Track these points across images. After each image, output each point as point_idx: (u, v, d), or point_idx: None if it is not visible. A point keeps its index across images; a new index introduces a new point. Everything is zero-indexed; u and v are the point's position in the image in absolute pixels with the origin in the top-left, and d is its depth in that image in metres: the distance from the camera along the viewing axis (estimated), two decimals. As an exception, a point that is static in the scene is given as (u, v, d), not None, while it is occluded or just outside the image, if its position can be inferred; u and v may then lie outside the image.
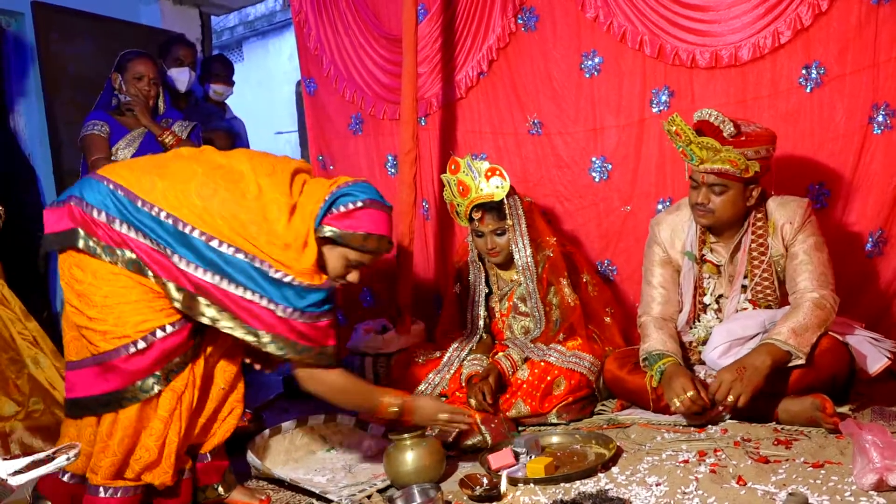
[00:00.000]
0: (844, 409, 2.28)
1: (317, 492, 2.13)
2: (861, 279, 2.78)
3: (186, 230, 1.87)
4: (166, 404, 1.92)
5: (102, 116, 3.09)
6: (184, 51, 3.73)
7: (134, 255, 1.86)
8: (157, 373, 1.89)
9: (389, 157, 3.65)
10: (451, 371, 2.75)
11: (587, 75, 3.14)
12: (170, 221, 1.87)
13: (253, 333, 1.90)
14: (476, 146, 3.40)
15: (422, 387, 2.75)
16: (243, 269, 1.88)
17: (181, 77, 3.68)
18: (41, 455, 1.50)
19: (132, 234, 1.87)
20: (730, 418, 2.33)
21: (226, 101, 4.37)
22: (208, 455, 2.12)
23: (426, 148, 3.48)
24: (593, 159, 3.18)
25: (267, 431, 2.48)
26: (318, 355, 1.96)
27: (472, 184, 2.77)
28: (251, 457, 2.29)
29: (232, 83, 4.31)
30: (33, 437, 2.66)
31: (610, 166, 3.15)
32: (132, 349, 1.86)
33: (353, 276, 2.06)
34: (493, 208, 2.78)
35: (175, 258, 1.87)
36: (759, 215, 2.43)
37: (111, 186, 1.89)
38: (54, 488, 2.01)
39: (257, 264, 1.88)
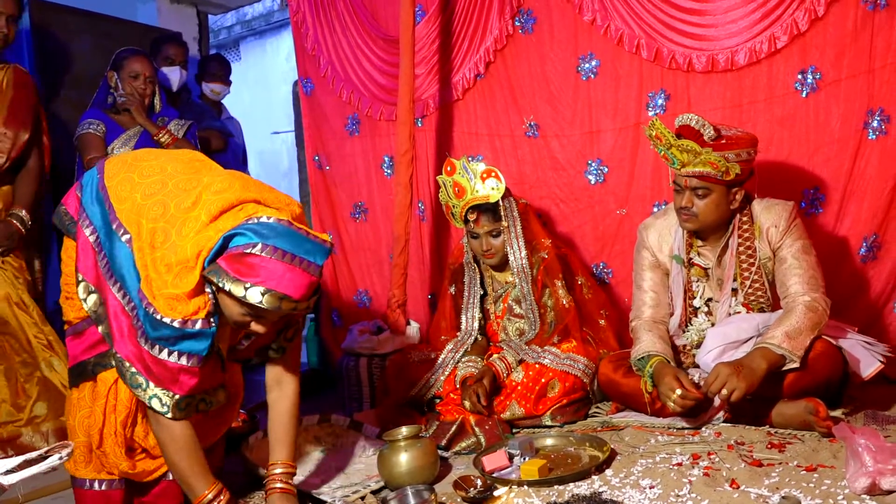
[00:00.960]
0: (838, 413, 2.29)
1: (311, 493, 2.13)
2: (855, 284, 2.79)
3: (114, 226, 1.83)
4: (102, 390, 1.93)
5: (98, 115, 3.08)
6: (174, 49, 3.72)
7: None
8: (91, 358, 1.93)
9: (386, 158, 3.65)
10: (446, 372, 2.75)
11: (584, 78, 3.14)
12: (103, 197, 1.89)
13: (111, 345, 1.82)
14: (472, 148, 3.41)
15: (416, 388, 2.75)
16: (134, 278, 1.78)
17: (172, 76, 3.67)
18: (34, 454, 1.50)
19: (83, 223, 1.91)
20: (724, 421, 2.34)
21: (222, 101, 4.37)
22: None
23: (423, 149, 3.48)
24: (589, 162, 3.18)
25: (261, 432, 2.48)
26: (150, 396, 1.75)
27: (467, 185, 2.77)
28: (245, 457, 2.29)
29: (229, 82, 4.30)
30: (31, 442, 2.68)
31: (606, 169, 3.16)
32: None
33: (259, 328, 1.78)
34: (488, 210, 2.78)
35: (92, 238, 1.89)
36: (745, 218, 2.44)
37: (102, 192, 1.92)
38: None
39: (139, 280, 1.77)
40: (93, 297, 1.89)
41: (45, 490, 2.33)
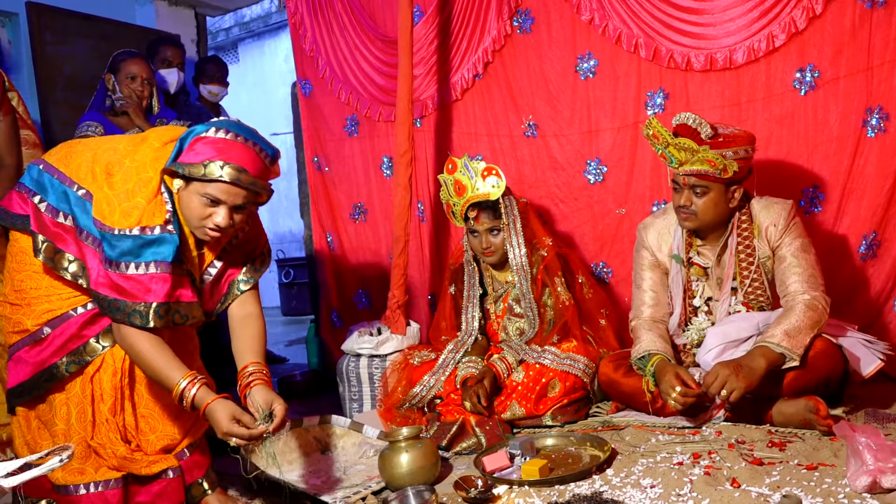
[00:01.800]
0: (838, 412, 2.29)
1: (311, 493, 2.13)
2: (854, 282, 2.80)
3: (67, 186, 1.93)
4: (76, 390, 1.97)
5: (96, 117, 3.08)
6: (171, 51, 3.72)
7: (27, 217, 1.95)
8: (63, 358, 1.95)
9: (385, 159, 3.64)
10: (446, 373, 2.75)
11: (582, 78, 3.14)
12: (46, 171, 1.96)
13: (88, 288, 1.88)
14: (471, 148, 3.41)
15: (417, 388, 2.75)
16: (89, 213, 1.88)
17: (170, 78, 3.67)
18: (34, 457, 1.50)
19: (32, 199, 1.96)
20: (724, 420, 2.34)
21: (220, 103, 4.37)
22: (186, 451, 2.11)
23: (422, 150, 3.48)
24: (588, 161, 3.18)
25: (261, 433, 2.47)
26: (130, 313, 1.82)
27: (468, 183, 2.78)
28: (244, 458, 2.28)
29: (226, 84, 4.30)
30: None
31: (605, 168, 3.16)
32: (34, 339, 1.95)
33: (220, 218, 1.86)
34: (488, 207, 2.79)
35: (42, 205, 1.94)
36: (744, 217, 2.44)
37: (40, 166, 1.99)
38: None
39: (91, 210, 1.87)
40: (73, 265, 1.92)
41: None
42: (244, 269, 2.10)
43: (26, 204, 1.97)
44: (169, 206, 1.88)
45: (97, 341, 1.98)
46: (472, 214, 2.81)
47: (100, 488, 1.95)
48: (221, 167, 1.81)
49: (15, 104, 2.77)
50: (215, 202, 1.85)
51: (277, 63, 8.59)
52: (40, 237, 1.92)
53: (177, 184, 1.88)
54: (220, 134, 1.86)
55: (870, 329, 2.61)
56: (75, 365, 1.96)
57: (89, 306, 1.96)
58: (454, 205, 2.86)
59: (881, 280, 2.77)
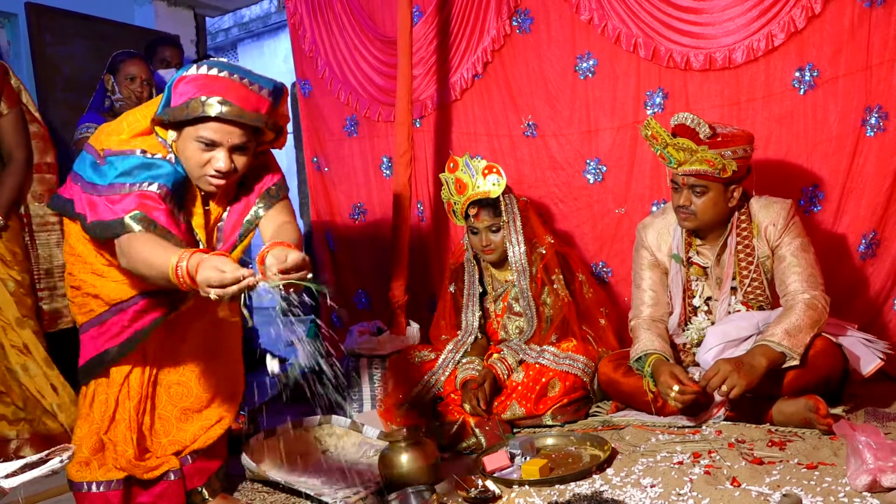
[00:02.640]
0: (838, 411, 2.29)
1: (312, 494, 2.12)
2: (854, 281, 2.80)
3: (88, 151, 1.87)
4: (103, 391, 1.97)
5: (96, 119, 3.08)
6: (170, 51, 3.72)
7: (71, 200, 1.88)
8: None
9: (384, 159, 3.65)
10: (446, 373, 2.75)
11: (582, 77, 3.14)
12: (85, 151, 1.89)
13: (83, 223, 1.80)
14: (471, 148, 3.41)
15: (416, 388, 2.75)
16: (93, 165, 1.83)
17: (168, 78, 3.67)
18: (35, 457, 1.50)
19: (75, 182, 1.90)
20: (724, 419, 2.34)
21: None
22: (189, 457, 2.10)
23: (421, 150, 3.48)
24: (588, 161, 3.18)
25: (262, 434, 2.48)
26: (126, 227, 1.70)
27: (469, 181, 2.79)
28: (246, 459, 2.28)
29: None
30: (27, 446, 2.67)
31: (604, 168, 3.16)
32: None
33: (219, 163, 1.76)
34: (488, 205, 2.79)
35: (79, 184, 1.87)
36: (743, 217, 2.45)
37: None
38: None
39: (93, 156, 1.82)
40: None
41: (46, 494, 2.33)
42: (258, 199, 1.95)
43: (72, 188, 1.90)
44: (171, 156, 1.80)
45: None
46: (472, 212, 2.81)
47: (101, 488, 1.97)
48: (203, 102, 1.70)
49: (23, 98, 2.78)
50: (210, 144, 1.75)
51: (277, 63, 8.59)
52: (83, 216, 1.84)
53: (171, 136, 1.79)
54: (202, 70, 1.74)
55: (869, 328, 2.61)
56: (124, 354, 1.94)
57: (138, 300, 1.89)
58: (455, 203, 2.87)
59: (881, 279, 2.77)
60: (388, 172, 3.63)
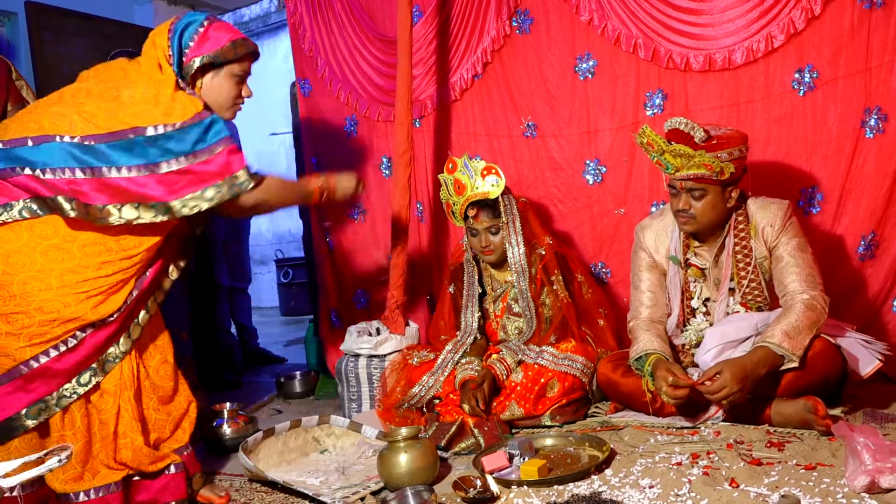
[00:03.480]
0: (836, 412, 2.29)
1: (310, 494, 2.13)
2: (853, 282, 2.80)
3: (61, 140, 1.87)
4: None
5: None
6: None
7: (27, 198, 1.87)
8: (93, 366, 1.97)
9: (384, 159, 3.64)
10: (445, 373, 2.75)
11: (581, 78, 3.14)
12: (42, 142, 1.88)
13: (163, 207, 1.92)
14: (470, 148, 3.40)
15: (415, 388, 2.75)
16: (123, 147, 1.89)
17: None
18: (33, 457, 1.50)
19: (18, 178, 1.87)
20: (723, 420, 2.34)
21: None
22: (184, 449, 2.16)
23: (420, 150, 3.48)
24: (587, 162, 3.19)
25: (260, 433, 2.48)
26: (231, 187, 1.97)
27: (468, 182, 2.79)
28: (244, 458, 2.29)
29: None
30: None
31: (604, 169, 3.16)
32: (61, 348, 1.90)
33: (245, 91, 2.15)
34: (487, 206, 2.79)
35: (58, 173, 1.86)
36: (741, 218, 2.45)
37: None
38: None
39: (132, 136, 1.90)
40: (124, 210, 1.91)
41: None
42: None
43: (17, 187, 1.88)
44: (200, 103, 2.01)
45: (116, 348, 2.00)
46: (471, 213, 2.81)
47: (100, 493, 1.94)
48: (244, 43, 2.07)
49: (25, 94, 2.78)
50: (243, 78, 2.11)
51: (276, 63, 8.57)
52: (60, 198, 1.86)
53: (206, 79, 2.06)
54: (218, 21, 2.07)
55: (868, 329, 2.61)
56: (111, 363, 1.99)
57: (88, 330, 1.93)
58: (454, 204, 2.87)
59: (879, 280, 2.77)
60: (387, 172, 3.63)
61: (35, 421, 1.89)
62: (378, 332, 3.13)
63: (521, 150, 3.32)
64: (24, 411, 1.88)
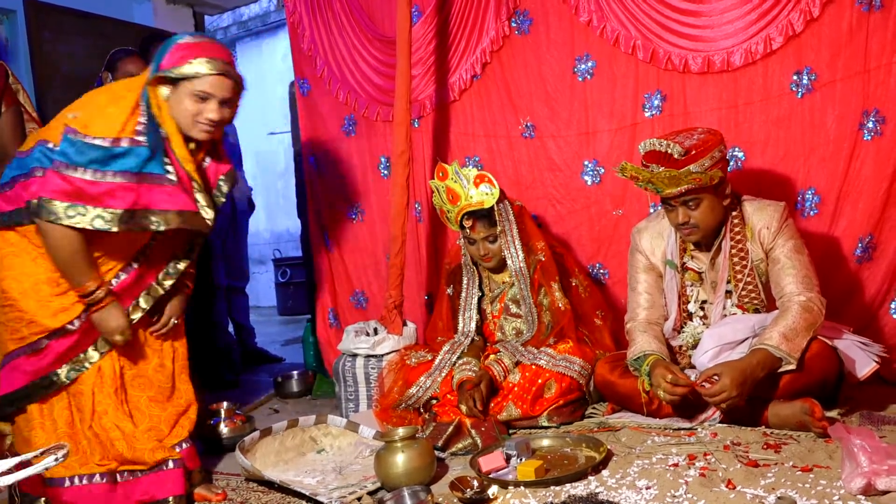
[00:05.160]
0: (833, 414, 2.30)
1: (307, 493, 2.13)
2: (850, 284, 2.80)
3: (42, 145, 2.03)
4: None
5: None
6: None
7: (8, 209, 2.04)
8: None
9: (382, 159, 3.64)
10: (443, 374, 2.75)
11: (580, 79, 3.14)
12: (32, 149, 2.05)
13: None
14: (469, 149, 3.41)
15: (413, 389, 2.75)
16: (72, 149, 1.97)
17: None
18: (29, 455, 1.49)
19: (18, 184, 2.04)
20: (720, 422, 2.34)
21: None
22: (183, 444, 2.21)
23: (419, 150, 3.48)
24: (586, 163, 3.19)
25: (257, 433, 2.48)
26: (93, 219, 1.94)
27: (461, 191, 2.78)
28: (241, 458, 2.28)
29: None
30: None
31: (602, 170, 3.16)
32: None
33: (212, 113, 2.06)
34: (483, 215, 2.79)
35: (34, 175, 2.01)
36: (736, 220, 2.45)
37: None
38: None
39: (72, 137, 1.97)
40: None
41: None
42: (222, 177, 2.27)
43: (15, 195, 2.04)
44: (143, 119, 2.02)
45: (95, 349, 2.07)
46: (467, 224, 2.80)
47: (84, 481, 2.00)
48: (207, 62, 2.01)
49: (20, 98, 2.78)
50: (205, 97, 2.03)
51: (275, 62, 8.57)
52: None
53: (164, 92, 2.04)
54: (196, 39, 2.07)
55: (865, 331, 2.61)
56: (76, 372, 2.05)
57: (84, 317, 2.04)
58: (448, 211, 2.86)
59: (876, 283, 2.77)
60: (385, 172, 3.63)
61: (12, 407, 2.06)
62: (376, 331, 3.13)
63: (519, 150, 3.32)
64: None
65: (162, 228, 2.03)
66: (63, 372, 2.04)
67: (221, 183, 2.25)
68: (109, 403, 2.07)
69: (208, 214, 2.12)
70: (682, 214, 2.39)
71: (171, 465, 2.10)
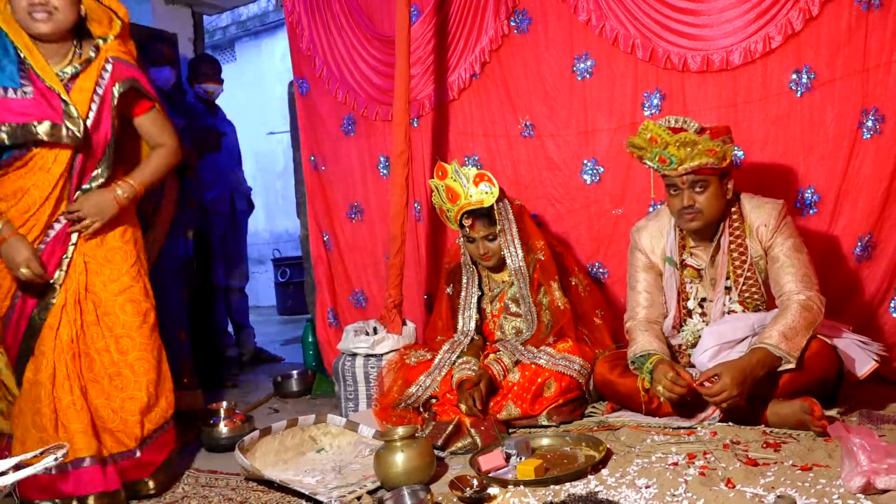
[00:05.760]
0: (833, 412, 2.29)
1: (306, 493, 2.13)
2: (849, 283, 2.80)
3: None
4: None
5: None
6: (163, 48, 3.72)
7: None
8: None
9: (381, 159, 3.64)
10: (442, 373, 2.75)
11: (579, 78, 3.14)
12: None
13: None
14: (468, 148, 3.41)
15: (412, 388, 2.75)
16: None
17: (162, 75, 3.67)
18: (28, 455, 1.49)
19: None
20: (719, 420, 2.34)
21: (217, 103, 4.36)
22: (137, 451, 2.20)
23: (418, 149, 3.48)
24: (585, 162, 3.19)
25: (257, 432, 2.48)
26: None
27: (461, 190, 2.78)
28: (241, 457, 2.28)
29: (221, 81, 4.31)
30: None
31: (602, 169, 3.16)
32: None
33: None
34: (483, 214, 2.78)
35: None
36: (735, 216, 2.45)
37: None
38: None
39: None
40: None
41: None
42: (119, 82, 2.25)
43: None
44: None
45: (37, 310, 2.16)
46: (467, 223, 2.80)
47: (72, 468, 2.07)
48: None
49: None
50: None
51: (274, 62, 8.57)
52: None
53: (7, 8, 2.09)
54: None
55: (864, 330, 2.61)
56: (45, 311, 2.13)
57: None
58: (448, 210, 2.86)
59: (876, 282, 2.77)
60: (385, 172, 3.63)
61: None
62: (375, 331, 3.13)
63: (518, 149, 3.32)
64: None
65: (8, 142, 2.07)
66: (35, 314, 2.14)
67: (115, 90, 2.23)
68: (71, 367, 2.13)
69: (76, 126, 2.11)
70: (687, 198, 2.39)
71: (87, 462, 2.10)
